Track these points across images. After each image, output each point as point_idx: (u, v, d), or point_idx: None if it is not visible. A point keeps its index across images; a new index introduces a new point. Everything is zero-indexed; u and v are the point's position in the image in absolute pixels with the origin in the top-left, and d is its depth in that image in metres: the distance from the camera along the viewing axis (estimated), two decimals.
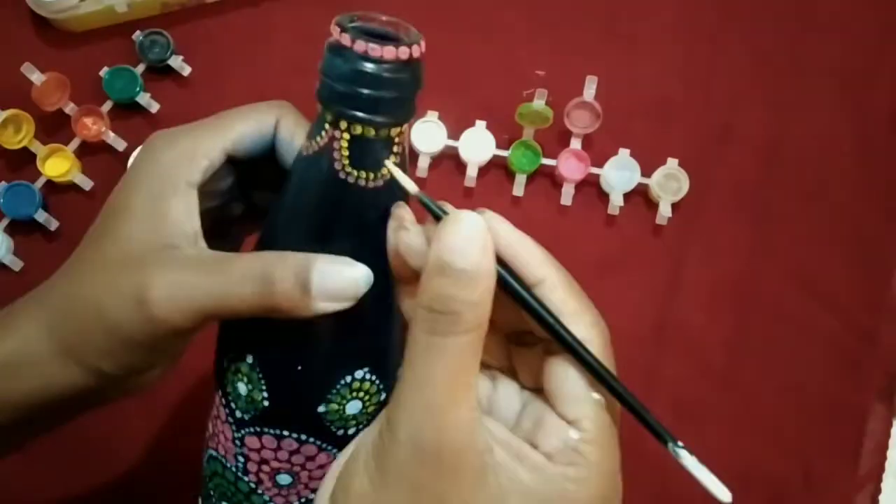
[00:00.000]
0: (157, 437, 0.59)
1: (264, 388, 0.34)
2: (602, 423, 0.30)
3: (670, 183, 0.61)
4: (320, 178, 0.31)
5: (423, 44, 0.31)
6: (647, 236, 0.63)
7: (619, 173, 0.61)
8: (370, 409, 0.35)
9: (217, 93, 0.62)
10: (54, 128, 0.61)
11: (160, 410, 0.59)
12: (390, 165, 0.31)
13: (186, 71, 0.62)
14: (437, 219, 0.30)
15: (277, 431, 0.35)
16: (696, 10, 0.65)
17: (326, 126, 0.31)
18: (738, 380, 0.62)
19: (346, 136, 0.30)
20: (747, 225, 0.63)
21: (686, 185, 0.61)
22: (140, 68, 0.61)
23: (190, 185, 0.34)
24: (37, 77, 0.58)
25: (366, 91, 0.30)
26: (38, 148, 0.59)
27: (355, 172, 0.31)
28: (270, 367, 0.34)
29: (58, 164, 0.60)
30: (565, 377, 0.30)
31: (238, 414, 0.35)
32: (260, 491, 0.37)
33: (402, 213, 0.32)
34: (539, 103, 0.60)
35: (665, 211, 0.61)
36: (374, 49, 0.29)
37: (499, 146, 0.61)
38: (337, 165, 0.31)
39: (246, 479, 0.37)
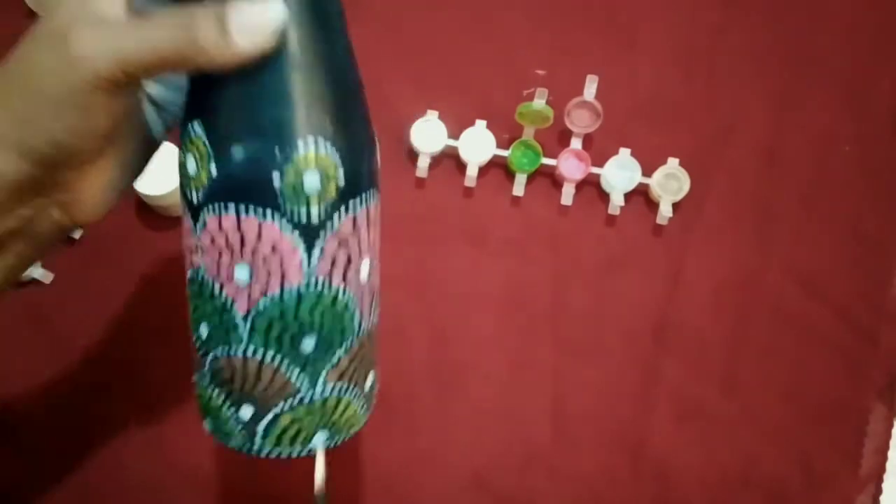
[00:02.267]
0: (156, 437, 0.59)
1: (212, 153, 0.34)
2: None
3: (671, 183, 0.61)
4: None
5: None
6: (648, 236, 0.63)
7: (620, 173, 0.61)
8: (330, 188, 0.34)
9: None
10: None
11: (159, 413, 0.59)
12: None
13: None
14: None
15: (233, 209, 0.34)
16: (697, 10, 0.65)
17: None
18: (739, 379, 0.61)
19: None
20: (747, 225, 0.63)
21: (686, 184, 0.61)
22: None
23: None
24: None
25: None
26: None
27: None
28: (216, 130, 0.34)
29: None
30: None
31: (194, 198, 0.35)
32: (223, 294, 0.36)
33: None
34: (539, 103, 0.60)
35: (665, 211, 0.61)
36: None
37: (499, 146, 0.61)
38: None
39: (210, 281, 0.36)
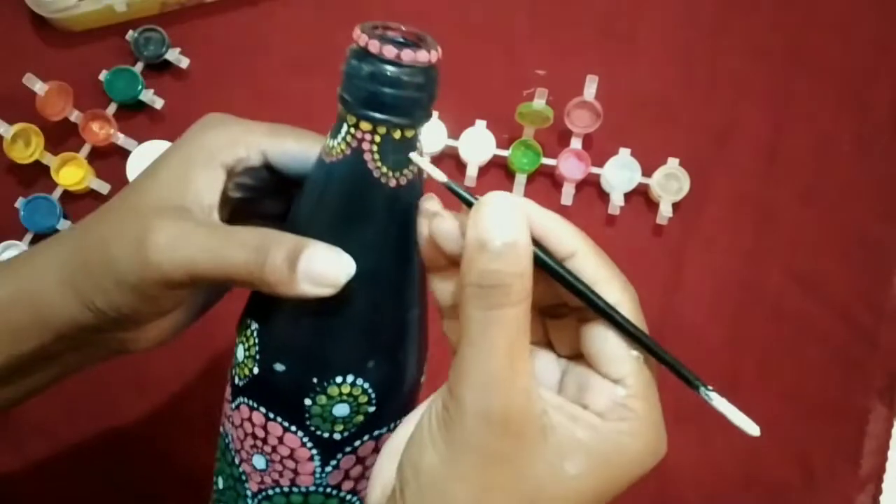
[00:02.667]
0: (160, 437, 0.59)
1: (258, 356, 0.35)
2: (644, 378, 0.31)
3: (671, 183, 0.61)
4: (352, 180, 0.32)
5: (440, 50, 0.33)
6: (648, 236, 0.62)
7: (620, 173, 0.61)
8: (358, 418, 0.35)
9: (217, 84, 0.62)
10: (62, 136, 0.61)
11: (166, 411, 0.59)
12: (418, 159, 0.33)
13: (184, 63, 0.62)
14: (468, 204, 0.32)
15: (263, 409, 0.35)
16: (696, 10, 0.65)
17: (352, 129, 0.32)
18: (739, 380, 0.61)
19: (377, 137, 0.32)
20: (747, 225, 0.63)
21: (686, 184, 0.61)
22: (138, 66, 0.61)
23: (223, 165, 0.36)
24: (39, 87, 0.58)
25: (393, 93, 0.31)
26: (50, 159, 0.59)
27: (387, 172, 0.32)
28: (266, 338, 0.35)
29: (72, 173, 0.59)
30: (605, 340, 0.32)
31: (235, 379, 0.36)
32: (241, 468, 0.37)
33: (434, 203, 0.33)
34: (539, 103, 0.60)
35: (665, 211, 0.61)
36: (403, 54, 0.31)
37: (499, 146, 0.61)
38: (370, 166, 0.32)
39: (232, 451, 0.37)
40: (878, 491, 0.60)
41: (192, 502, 0.59)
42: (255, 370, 0.35)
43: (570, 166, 0.61)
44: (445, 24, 0.64)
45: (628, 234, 0.62)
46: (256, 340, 0.35)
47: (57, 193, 0.60)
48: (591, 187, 0.62)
